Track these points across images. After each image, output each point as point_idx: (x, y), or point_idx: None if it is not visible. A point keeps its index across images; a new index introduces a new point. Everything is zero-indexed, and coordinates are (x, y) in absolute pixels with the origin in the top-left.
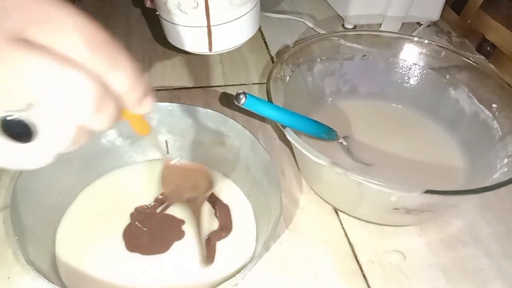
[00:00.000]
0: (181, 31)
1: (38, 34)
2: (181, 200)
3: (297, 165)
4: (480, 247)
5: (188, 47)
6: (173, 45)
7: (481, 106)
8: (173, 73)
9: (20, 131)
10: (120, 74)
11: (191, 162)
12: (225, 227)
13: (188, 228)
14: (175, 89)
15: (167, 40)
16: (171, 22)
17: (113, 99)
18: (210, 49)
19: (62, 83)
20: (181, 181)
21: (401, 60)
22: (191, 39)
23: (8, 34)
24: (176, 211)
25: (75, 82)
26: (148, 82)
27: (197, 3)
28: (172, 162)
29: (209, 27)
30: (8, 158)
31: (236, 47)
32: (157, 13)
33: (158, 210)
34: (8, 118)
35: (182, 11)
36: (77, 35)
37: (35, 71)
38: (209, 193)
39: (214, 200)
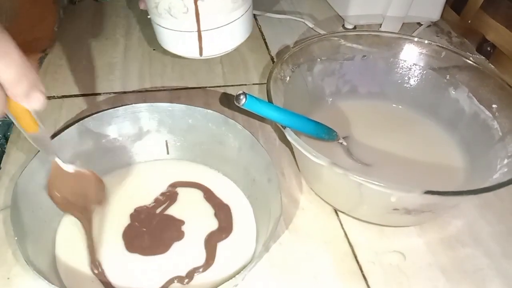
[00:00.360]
0: (171, 35)
1: None
2: (72, 210)
3: (297, 166)
4: (479, 247)
5: (178, 51)
6: None
7: (481, 106)
8: (173, 73)
9: None
10: (3, 61)
11: (82, 169)
12: (225, 228)
13: (188, 228)
14: (175, 89)
15: None
16: (161, 26)
17: None
18: (201, 54)
19: None
20: (71, 188)
21: (401, 60)
22: (181, 43)
23: None
24: (176, 211)
25: None
26: (39, 78)
27: (187, 8)
28: (63, 168)
29: (199, 32)
30: None
31: (227, 52)
32: (148, 16)
33: (158, 211)
34: None
35: (172, 16)
36: None
37: None
38: (101, 205)
39: (214, 200)
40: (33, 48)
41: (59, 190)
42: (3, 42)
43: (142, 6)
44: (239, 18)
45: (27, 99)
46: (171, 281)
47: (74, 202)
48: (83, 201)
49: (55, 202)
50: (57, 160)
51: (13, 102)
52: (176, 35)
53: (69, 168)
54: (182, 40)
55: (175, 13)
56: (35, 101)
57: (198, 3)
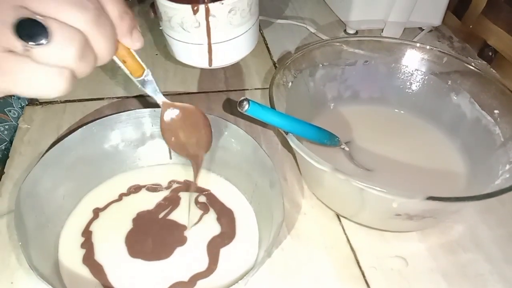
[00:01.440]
0: (183, 47)
1: None
2: (185, 154)
3: (299, 171)
4: (481, 252)
5: (189, 62)
6: None
7: (482, 111)
8: (176, 78)
9: (34, 35)
10: (109, 1)
11: (187, 104)
12: (228, 233)
13: (190, 233)
14: (178, 94)
15: None
16: (174, 38)
17: (109, 20)
18: (210, 65)
19: None
20: (183, 130)
21: (403, 65)
22: (192, 54)
23: None
24: (178, 216)
25: None
26: (134, 16)
27: (199, 23)
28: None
29: (209, 44)
30: (24, 73)
31: (234, 63)
32: (160, 28)
33: (160, 216)
34: (26, 17)
35: (184, 29)
36: None
37: None
38: (208, 149)
39: (217, 205)
40: None
41: (172, 131)
42: None
43: (152, 16)
44: (247, 31)
45: (131, 37)
46: (173, 286)
47: (186, 144)
48: (194, 142)
49: (170, 146)
50: (166, 100)
51: (119, 45)
52: (187, 47)
53: (177, 107)
54: (193, 52)
55: (187, 27)
56: (136, 40)
57: (210, 18)
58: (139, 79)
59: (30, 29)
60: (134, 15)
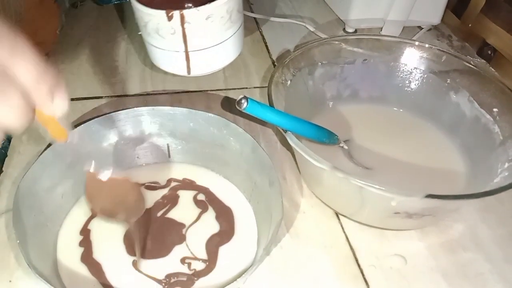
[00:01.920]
0: (160, 53)
1: None
2: (114, 219)
3: (298, 169)
4: (480, 251)
5: (167, 69)
6: None
7: (482, 110)
8: (174, 77)
9: None
10: (22, 62)
11: (117, 177)
12: (227, 231)
13: (189, 232)
14: (177, 92)
15: None
16: (151, 44)
17: (18, 89)
18: (189, 73)
19: None
20: (109, 197)
21: (402, 64)
22: (169, 61)
23: None
24: (177, 215)
25: None
26: (59, 78)
27: (174, 30)
28: (98, 176)
29: (186, 52)
30: None
31: (216, 71)
32: (139, 33)
33: (159, 214)
34: None
35: (160, 36)
36: None
37: None
38: (141, 213)
39: (215, 204)
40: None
41: (96, 199)
42: (18, 42)
43: None
44: (227, 39)
45: (51, 103)
46: (172, 284)
47: (113, 211)
48: (122, 209)
49: (94, 212)
50: (92, 173)
51: (37, 112)
52: (164, 53)
53: (104, 176)
54: (170, 59)
55: (163, 34)
56: (59, 105)
57: (185, 25)
58: (63, 143)
59: None
60: (58, 73)
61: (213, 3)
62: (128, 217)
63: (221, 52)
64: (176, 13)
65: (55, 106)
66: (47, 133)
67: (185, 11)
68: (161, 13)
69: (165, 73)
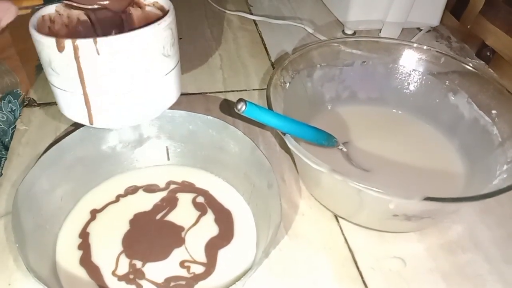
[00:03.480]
0: (58, 94)
1: None
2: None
3: (297, 172)
4: (480, 252)
5: (67, 114)
6: None
7: (480, 111)
8: None
9: None
10: None
11: None
12: (226, 234)
13: (188, 234)
14: None
15: None
16: (49, 82)
17: None
18: (91, 123)
19: None
20: None
21: (401, 66)
22: (68, 105)
23: None
24: (176, 217)
25: None
26: None
27: (68, 64)
28: None
29: (85, 95)
30: None
31: (132, 125)
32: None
33: (157, 217)
34: None
35: (53, 70)
36: None
37: None
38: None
39: (215, 206)
40: (29, 55)
41: None
42: None
43: None
44: (150, 84)
45: None
46: None
47: None
48: None
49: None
50: None
51: None
52: (62, 94)
53: None
54: (68, 102)
55: (55, 68)
56: None
57: (80, 60)
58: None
59: None
60: None
61: (122, 35)
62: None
63: (139, 100)
64: (68, 43)
65: None
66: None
67: (78, 42)
68: (51, 41)
69: None
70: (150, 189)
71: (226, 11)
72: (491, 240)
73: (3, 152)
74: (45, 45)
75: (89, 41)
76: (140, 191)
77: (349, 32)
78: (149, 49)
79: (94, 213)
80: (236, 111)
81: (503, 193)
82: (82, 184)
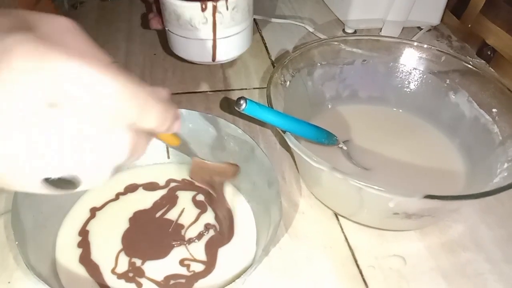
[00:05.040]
0: (190, 44)
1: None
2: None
3: (298, 170)
4: (480, 251)
5: (194, 58)
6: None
7: (481, 110)
8: (174, 78)
9: (63, 184)
10: (151, 117)
11: (219, 163)
12: (227, 233)
13: (188, 233)
14: (176, 94)
15: (167, 44)
16: (181, 36)
17: (145, 138)
18: (214, 59)
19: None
20: (209, 176)
21: (401, 64)
22: (197, 50)
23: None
24: (176, 215)
25: (113, 135)
26: (177, 109)
27: (207, 19)
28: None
29: (214, 40)
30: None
31: (234, 58)
32: (167, 28)
33: (157, 215)
34: (51, 178)
35: (192, 26)
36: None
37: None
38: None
39: (216, 204)
40: None
41: (200, 178)
42: (148, 100)
43: (154, 26)
44: (245, 28)
45: (169, 130)
46: (171, 286)
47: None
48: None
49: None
50: (197, 158)
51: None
52: (194, 43)
53: (209, 163)
54: (199, 48)
55: (195, 24)
56: (176, 128)
57: (216, 15)
58: (175, 147)
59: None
60: (174, 111)
61: None
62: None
63: (241, 40)
64: (209, 4)
65: (173, 129)
66: (164, 142)
67: (217, 3)
68: (197, 5)
69: (165, 74)
70: (150, 187)
71: None
72: (492, 239)
73: None
74: (190, 8)
75: (222, 2)
76: (140, 189)
77: (349, 31)
78: (247, 5)
79: (93, 211)
80: (237, 109)
81: (504, 191)
82: None
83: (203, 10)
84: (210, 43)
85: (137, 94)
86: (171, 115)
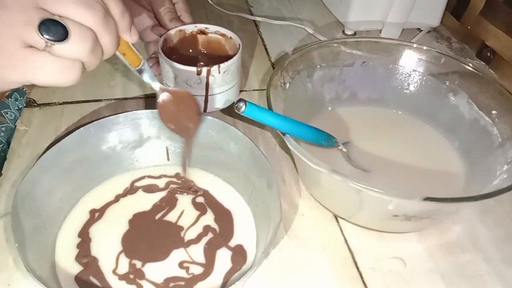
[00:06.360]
0: None
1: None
2: (179, 130)
3: (297, 172)
4: (479, 252)
5: None
6: None
7: (480, 112)
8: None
9: (55, 34)
10: (112, 2)
11: (179, 89)
12: (226, 235)
13: (187, 234)
14: None
15: None
16: None
17: (112, 18)
18: (205, 111)
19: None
20: (176, 109)
21: (401, 66)
22: None
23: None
24: (175, 217)
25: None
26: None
27: (201, 80)
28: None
29: (206, 96)
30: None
31: (222, 108)
32: (164, 82)
33: (157, 217)
34: (47, 18)
35: (187, 85)
36: None
37: None
38: (198, 124)
39: (214, 206)
40: None
41: (167, 111)
42: None
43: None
44: (233, 86)
45: (129, 33)
46: None
47: (179, 121)
48: (186, 119)
49: (165, 123)
50: (161, 86)
51: (121, 40)
52: None
53: (171, 91)
54: None
55: (190, 83)
56: (134, 34)
57: (210, 77)
58: (137, 68)
59: (51, 28)
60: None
61: (229, 61)
62: (189, 124)
63: (230, 94)
64: (204, 69)
65: (133, 34)
66: (125, 60)
67: (211, 68)
68: (193, 70)
69: None
70: (150, 189)
71: (227, 12)
72: (490, 240)
73: (7, 152)
74: (187, 71)
75: (216, 66)
76: (140, 191)
77: (349, 32)
78: (236, 67)
79: (93, 213)
80: (236, 111)
81: (503, 194)
82: (82, 185)
83: (199, 73)
84: (202, 99)
85: None
86: (129, 13)
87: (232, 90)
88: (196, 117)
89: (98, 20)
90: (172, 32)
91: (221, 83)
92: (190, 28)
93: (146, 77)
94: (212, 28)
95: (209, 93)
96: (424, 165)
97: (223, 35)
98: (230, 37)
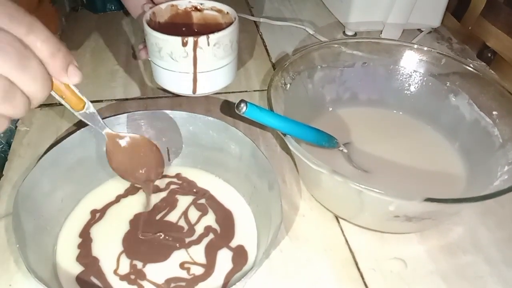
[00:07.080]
0: (170, 75)
1: None
2: (134, 180)
3: (298, 173)
4: (480, 254)
5: (174, 89)
6: None
7: (481, 113)
8: None
9: None
10: (39, 38)
11: (133, 135)
12: (227, 236)
13: (188, 235)
14: (176, 96)
15: None
16: (162, 67)
17: (35, 60)
18: (194, 92)
19: None
20: (129, 157)
21: (402, 67)
22: (178, 82)
23: None
24: (176, 218)
25: None
26: (69, 51)
27: (187, 54)
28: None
29: (195, 74)
30: None
31: (215, 92)
32: (149, 59)
33: (157, 217)
34: None
35: (173, 59)
36: None
37: None
38: (160, 175)
39: (215, 207)
40: None
41: (117, 160)
42: (35, 21)
43: (144, 57)
44: (227, 64)
45: (66, 73)
46: None
47: (135, 171)
48: (143, 169)
49: (118, 173)
50: (110, 131)
51: (55, 82)
52: (174, 75)
53: (123, 137)
54: (179, 80)
55: (176, 57)
56: (73, 75)
57: (197, 50)
58: (81, 112)
59: None
60: (67, 50)
61: (220, 32)
62: (148, 177)
63: (222, 75)
64: (190, 39)
65: (71, 75)
66: (65, 103)
67: (198, 38)
68: (177, 39)
69: None
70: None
71: None
72: (491, 242)
73: (7, 153)
74: (171, 42)
75: (204, 37)
76: (141, 192)
77: (350, 33)
78: (230, 42)
79: (94, 214)
80: (237, 112)
81: (504, 194)
82: (83, 185)
83: (184, 44)
84: (190, 77)
85: (23, 13)
86: (64, 49)
87: (225, 69)
88: (158, 168)
89: (11, 65)
90: (162, 6)
91: (212, 58)
92: (184, 4)
93: (92, 122)
94: (207, 3)
95: (197, 70)
96: (425, 166)
97: (219, 11)
98: (227, 12)
